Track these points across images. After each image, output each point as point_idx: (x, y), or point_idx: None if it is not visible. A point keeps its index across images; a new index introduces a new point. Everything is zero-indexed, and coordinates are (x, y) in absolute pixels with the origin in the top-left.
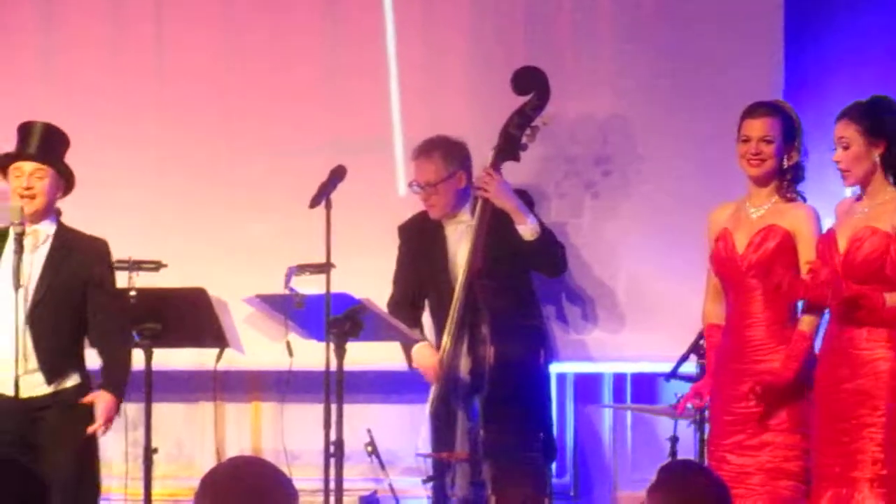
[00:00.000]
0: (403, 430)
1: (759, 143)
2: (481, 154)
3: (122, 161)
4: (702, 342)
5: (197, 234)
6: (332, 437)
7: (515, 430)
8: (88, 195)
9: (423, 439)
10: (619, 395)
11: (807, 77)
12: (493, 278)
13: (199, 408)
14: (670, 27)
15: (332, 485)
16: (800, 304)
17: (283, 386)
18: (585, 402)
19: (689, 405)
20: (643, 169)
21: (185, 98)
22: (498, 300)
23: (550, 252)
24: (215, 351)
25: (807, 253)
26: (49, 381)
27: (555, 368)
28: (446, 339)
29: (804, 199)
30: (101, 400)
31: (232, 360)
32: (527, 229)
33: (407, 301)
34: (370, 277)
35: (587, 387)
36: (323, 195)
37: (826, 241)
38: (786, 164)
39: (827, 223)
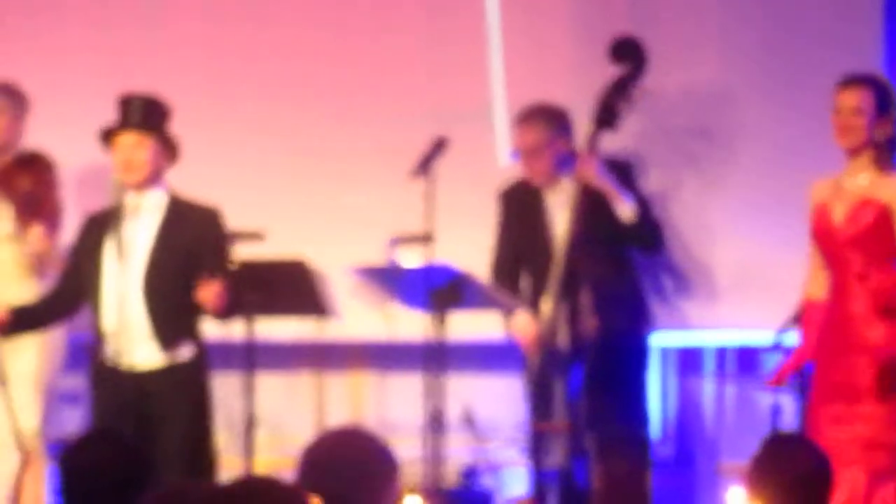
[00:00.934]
0: (503, 400)
1: (850, 115)
2: (581, 122)
3: (222, 132)
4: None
5: (297, 204)
6: (433, 407)
7: (617, 400)
8: (189, 167)
9: (522, 410)
10: (721, 365)
11: None
12: (594, 248)
13: (299, 379)
14: None
15: (432, 455)
16: None
17: (384, 357)
18: (687, 372)
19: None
20: (745, 141)
21: (284, 69)
22: (600, 269)
23: (648, 232)
24: (315, 322)
25: None
26: (162, 353)
27: (656, 339)
28: (546, 308)
29: None
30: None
31: (332, 331)
32: (625, 210)
33: (506, 269)
34: (470, 247)
35: (688, 356)
36: (424, 165)
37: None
38: (877, 136)
39: None
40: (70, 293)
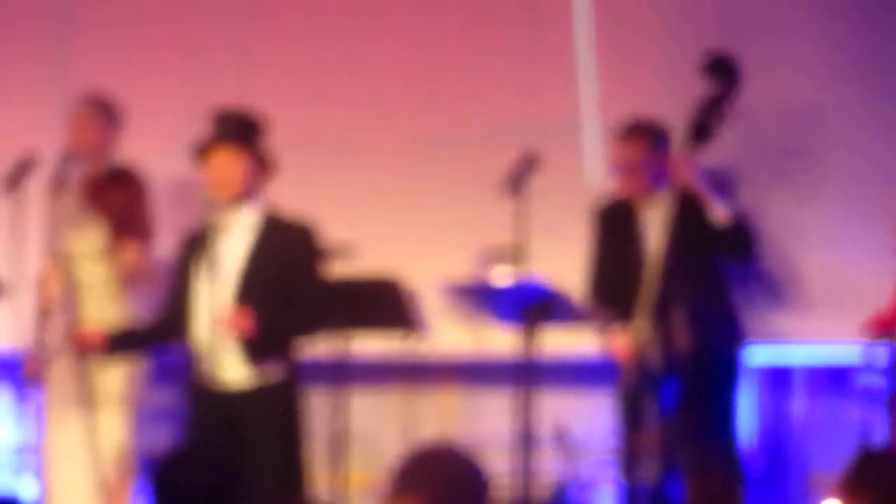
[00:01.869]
0: (594, 416)
1: None
2: (673, 138)
3: (314, 148)
4: None
5: (388, 220)
6: (523, 424)
7: (709, 415)
8: (282, 183)
9: (614, 425)
10: (812, 379)
11: None
12: (688, 263)
13: (389, 395)
14: (865, 12)
15: (521, 472)
16: None
17: (473, 373)
18: (778, 385)
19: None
20: (837, 154)
21: (375, 86)
22: (694, 285)
23: (741, 238)
24: (406, 338)
25: None
26: (254, 372)
27: (748, 354)
28: (640, 324)
29: None
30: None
31: (421, 347)
32: (718, 214)
33: (602, 286)
34: (558, 262)
35: (780, 370)
36: (515, 181)
37: None
38: None
39: None
40: (171, 320)
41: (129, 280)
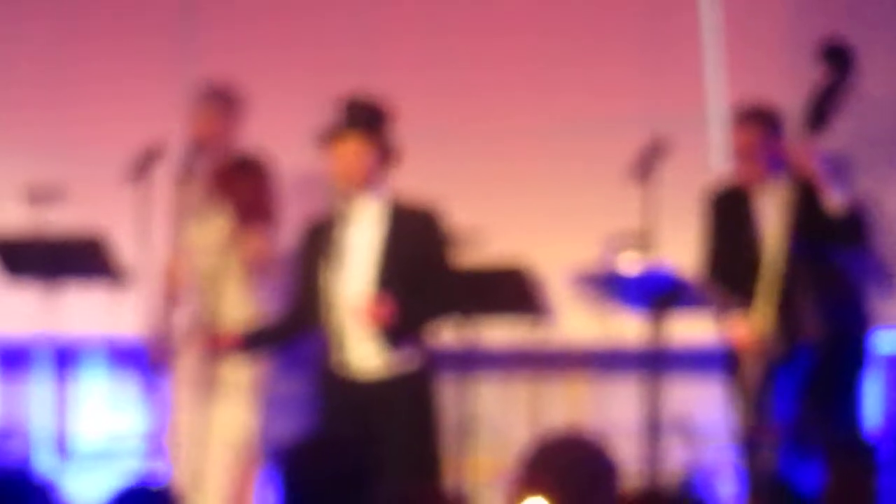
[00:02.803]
0: (721, 404)
1: None
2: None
3: (440, 136)
4: None
5: (516, 207)
6: (649, 411)
7: (836, 402)
8: (408, 171)
9: (737, 413)
10: None
11: None
12: (808, 250)
13: (515, 383)
14: None
15: (648, 459)
16: None
17: (600, 360)
18: None
19: None
20: None
21: (500, 73)
22: (818, 271)
23: (854, 228)
24: (532, 325)
25: None
26: (388, 361)
27: (873, 341)
28: (763, 311)
29: None
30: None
31: (549, 335)
32: (834, 203)
33: (716, 273)
34: (684, 249)
35: None
36: (642, 167)
37: None
38: None
39: None
40: (303, 312)
41: (255, 269)
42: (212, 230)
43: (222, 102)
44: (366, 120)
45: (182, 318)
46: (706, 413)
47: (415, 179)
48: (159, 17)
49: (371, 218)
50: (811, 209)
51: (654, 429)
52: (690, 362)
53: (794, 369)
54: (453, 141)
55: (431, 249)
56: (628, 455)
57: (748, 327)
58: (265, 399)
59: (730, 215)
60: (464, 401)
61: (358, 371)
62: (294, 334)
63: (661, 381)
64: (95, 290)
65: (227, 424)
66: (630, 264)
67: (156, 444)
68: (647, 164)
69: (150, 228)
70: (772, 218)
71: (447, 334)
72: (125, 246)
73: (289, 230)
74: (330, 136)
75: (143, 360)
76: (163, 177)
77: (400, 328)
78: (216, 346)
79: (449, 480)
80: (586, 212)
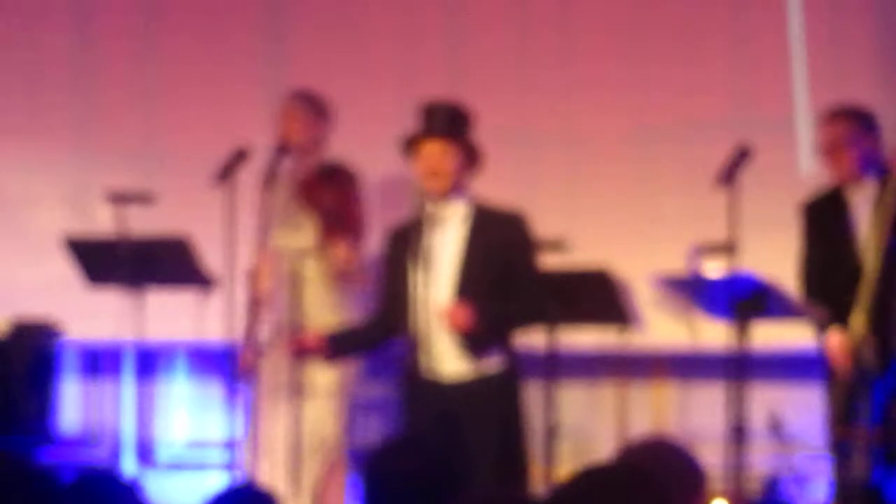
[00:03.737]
0: (807, 410)
1: None
2: (888, 125)
3: (524, 140)
4: None
5: (601, 213)
6: (735, 416)
7: None
8: (493, 175)
9: (826, 419)
10: None
11: None
12: None
13: (601, 389)
14: None
15: (734, 464)
16: None
17: (686, 366)
18: None
19: None
20: None
21: (590, 77)
22: None
23: None
24: (618, 331)
25: None
26: (472, 364)
27: None
28: (858, 318)
29: None
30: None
31: (634, 340)
32: None
33: (814, 281)
34: (772, 256)
35: None
36: (728, 174)
37: None
38: None
39: None
40: (389, 317)
41: (341, 277)
42: (298, 235)
43: (310, 106)
44: (449, 124)
45: (267, 323)
46: (795, 419)
47: (500, 183)
48: (247, 22)
49: (456, 222)
50: None
51: (739, 434)
52: (778, 367)
53: (889, 379)
54: (541, 145)
55: (516, 254)
56: (714, 461)
57: (843, 337)
58: (350, 403)
59: (825, 223)
60: (549, 407)
61: (443, 374)
62: (380, 339)
63: (746, 387)
64: (181, 294)
65: (314, 428)
66: (715, 270)
67: (240, 449)
68: (733, 170)
69: (235, 232)
70: (867, 222)
71: (533, 339)
72: (211, 250)
73: (374, 235)
74: (414, 142)
75: (227, 366)
76: (249, 181)
77: (483, 333)
78: (302, 349)
79: (534, 486)
80: (672, 217)
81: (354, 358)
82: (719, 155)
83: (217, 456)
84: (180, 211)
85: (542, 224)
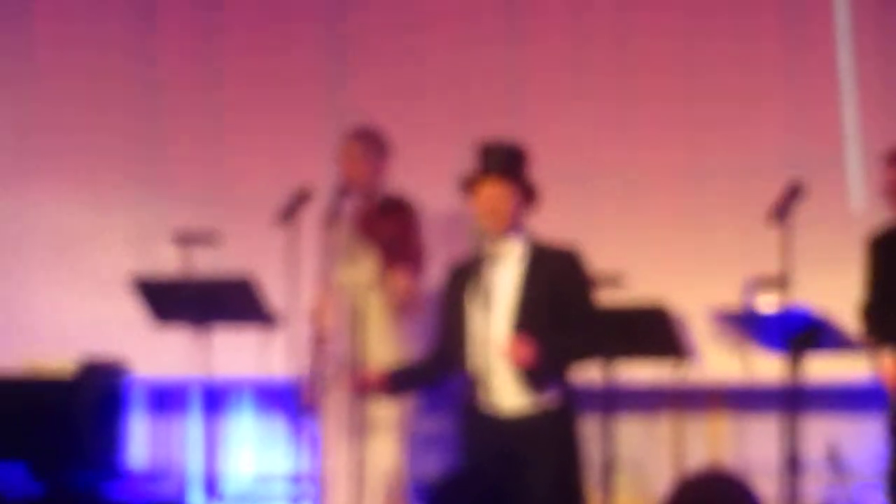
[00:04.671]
0: (864, 440)
1: None
2: None
3: (579, 177)
4: None
5: (656, 247)
6: (790, 448)
7: None
8: (554, 212)
9: (883, 449)
10: None
11: None
12: None
13: (659, 421)
14: None
15: (789, 497)
16: None
17: (741, 399)
18: None
19: None
20: None
21: (645, 115)
22: None
23: None
24: (673, 364)
25: None
26: (530, 399)
27: None
28: None
29: None
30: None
31: (690, 374)
32: None
33: (876, 312)
34: (825, 290)
35: None
36: (781, 210)
37: None
38: None
39: None
40: (448, 353)
41: (401, 307)
42: (359, 271)
43: (369, 144)
44: (505, 164)
45: (330, 359)
46: (851, 450)
47: (558, 218)
48: (308, 68)
49: (513, 259)
50: None
51: (794, 466)
52: (834, 399)
53: None
54: (596, 180)
55: (573, 289)
56: (769, 493)
57: None
58: (410, 436)
59: (889, 257)
60: (607, 440)
61: (502, 409)
62: (439, 375)
63: (800, 419)
64: (245, 331)
65: (377, 461)
66: (768, 305)
67: (305, 484)
68: (785, 206)
69: (298, 270)
70: None
71: (590, 373)
72: (274, 288)
73: (434, 273)
74: (472, 182)
75: (291, 401)
76: (311, 219)
77: (542, 368)
78: (364, 386)
79: None
80: (726, 252)
81: (414, 393)
82: (772, 191)
83: (282, 489)
84: (244, 251)
85: (599, 259)
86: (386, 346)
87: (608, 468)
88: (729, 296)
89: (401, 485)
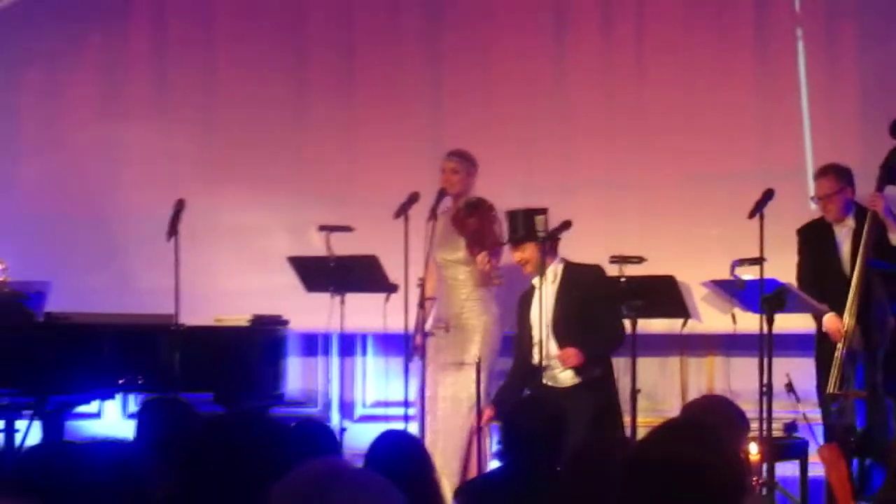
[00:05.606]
0: (814, 375)
1: None
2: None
3: (611, 183)
4: None
5: (667, 236)
6: (764, 380)
7: None
8: (588, 210)
9: (824, 382)
10: None
11: None
12: (878, 266)
13: (670, 361)
14: None
15: (764, 415)
16: None
17: (730, 345)
18: None
19: None
20: None
21: (660, 120)
22: (886, 281)
23: None
24: (681, 320)
25: None
26: (576, 375)
27: None
28: (848, 317)
29: None
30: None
31: (693, 327)
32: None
33: (810, 283)
34: (790, 267)
35: None
36: (758, 209)
37: None
38: None
39: None
40: (526, 361)
41: (483, 280)
42: (453, 251)
43: (463, 161)
44: (526, 229)
45: (431, 316)
46: (806, 382)
47: (595, 217)
48: (412, 91)
49: (554, 278)
50: (881, 241)
51: (767, 393)
52: (793, 345)
53: (872, 351)
54: (621, 186)
55: (598, 296)
56: (750, 413)
57: (838, 322)
58: (492, 371)
59: (815, 242)
60: (633, 375)
61: (554, 383)
62: (526, 378)
63: (771, 359)
64: (371, 296)
65: (464, 388)
66: (749, 277)
67: (412, 408)
68: (761, 207)
69: (409, 252)
70: (847, 245)
71: (607, 343)
72: (392, 264)
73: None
74: (513, 243)
75: (404, 347)
76: (419, 215)
77: (587, 362)
78: (487, 419)
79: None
80: (718, 240)
81: (496, 341)
82: (752, 194)
83: (397, 412)
84: (370, 237)
85: (626, 244)
86: (472, 305)
87: (634, 396)
88: (720, 271)
89: (480, 408)
